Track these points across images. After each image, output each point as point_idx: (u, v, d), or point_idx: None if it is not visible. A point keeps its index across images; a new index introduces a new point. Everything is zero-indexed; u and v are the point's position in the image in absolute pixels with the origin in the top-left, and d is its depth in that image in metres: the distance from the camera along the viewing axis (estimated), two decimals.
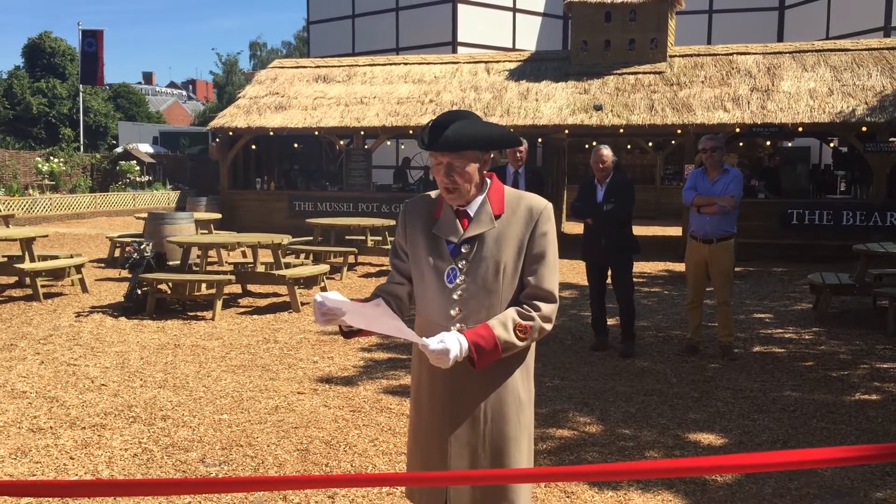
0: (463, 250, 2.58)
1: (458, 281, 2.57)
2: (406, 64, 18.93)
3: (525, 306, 2.56)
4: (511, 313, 2.53)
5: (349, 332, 2.59)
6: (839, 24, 23.64)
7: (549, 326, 2.59)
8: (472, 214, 2.61)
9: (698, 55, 16.74)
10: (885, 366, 6.84)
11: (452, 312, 2.57)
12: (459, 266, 2.58)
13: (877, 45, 16.07)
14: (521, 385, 2.65)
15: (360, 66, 19.23)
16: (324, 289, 9.77)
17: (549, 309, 2.57)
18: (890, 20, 22.26)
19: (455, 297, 2.57)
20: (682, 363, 6.91)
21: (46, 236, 11.03)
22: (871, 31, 21.98)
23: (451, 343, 2.41)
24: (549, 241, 2.60)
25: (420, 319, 2.70)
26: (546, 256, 2.59)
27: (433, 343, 2.41)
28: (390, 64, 19.13)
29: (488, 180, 2.64)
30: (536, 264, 2.58)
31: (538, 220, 2.58)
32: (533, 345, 2.66)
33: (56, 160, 22.44)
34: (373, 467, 4.56)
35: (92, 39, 28.17)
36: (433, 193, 2.73)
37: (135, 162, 23.97)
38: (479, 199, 2.61)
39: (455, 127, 2.50)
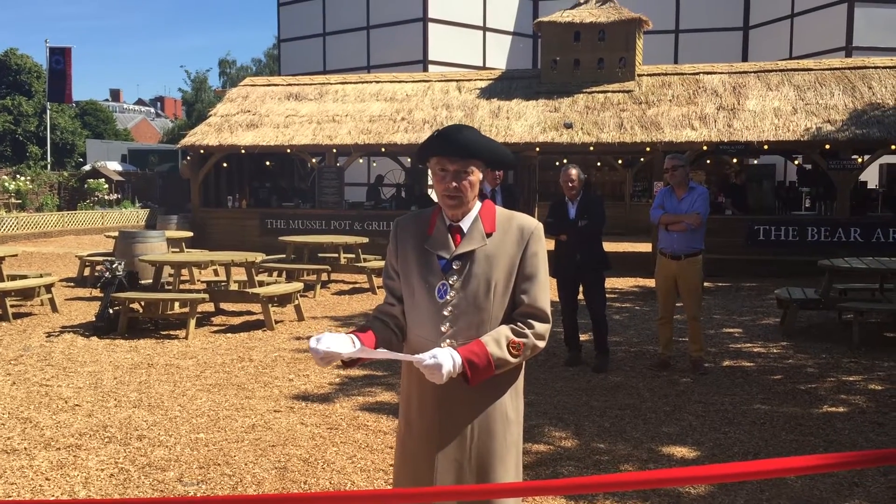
0: (454, 266, 2.61)
1: (448, 297, 2.60)
2: (378, 82, 19.01)
3: (519, 324, 2.59)
4: (504, 330, 2.56)
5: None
6: (802, 44, 24.19)
7: (542, 344, 2.62)
8: (464, 231, 2.64)
9: (666, 74, 17.01)
10: (850, 378, 7.00)
11: (443, 328, 2.60)
12: (450, 282, 2.60)
13: (839, 65, 16.46)
14: (510, 403, 2.67)
15: (331, 83, 19.28)
16: (297, 307, 9.77)
17: (542, 328, 2.60)
18: (851, 40, 22.82)
19: (445, 312, 2.60)
20: (654, 378, 7.02)
21: (16, 255, 10.90)
22: (833, 51, 22.52)
23: (444, 358, 2.42)
24: (541, 260, 2.64)
25: (411, 335, 2.72)
26: (538, 276, 2.62)
27: (426, 358, 2.42)
28: (362, 82, 19.19)
29: (478, 200, 2.70)
30: (528, 283, 2.61)
31: (529, 240, 2.62)
32: (523, 364, 2.69)
33: (23, 178, 22.20)
34: (351, 484, 4.58)
35: (60, 57, 28.02)
36: (425, 211, 2.77)
37: (103, 180, 23.77)
38: (472, 215, 2.66)
39: (468, 135, 2.57)
